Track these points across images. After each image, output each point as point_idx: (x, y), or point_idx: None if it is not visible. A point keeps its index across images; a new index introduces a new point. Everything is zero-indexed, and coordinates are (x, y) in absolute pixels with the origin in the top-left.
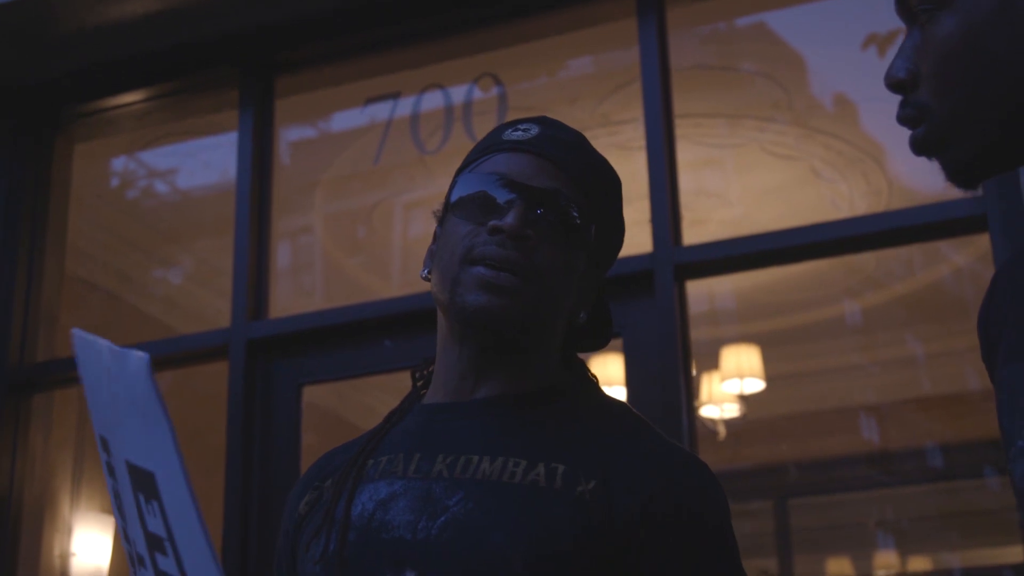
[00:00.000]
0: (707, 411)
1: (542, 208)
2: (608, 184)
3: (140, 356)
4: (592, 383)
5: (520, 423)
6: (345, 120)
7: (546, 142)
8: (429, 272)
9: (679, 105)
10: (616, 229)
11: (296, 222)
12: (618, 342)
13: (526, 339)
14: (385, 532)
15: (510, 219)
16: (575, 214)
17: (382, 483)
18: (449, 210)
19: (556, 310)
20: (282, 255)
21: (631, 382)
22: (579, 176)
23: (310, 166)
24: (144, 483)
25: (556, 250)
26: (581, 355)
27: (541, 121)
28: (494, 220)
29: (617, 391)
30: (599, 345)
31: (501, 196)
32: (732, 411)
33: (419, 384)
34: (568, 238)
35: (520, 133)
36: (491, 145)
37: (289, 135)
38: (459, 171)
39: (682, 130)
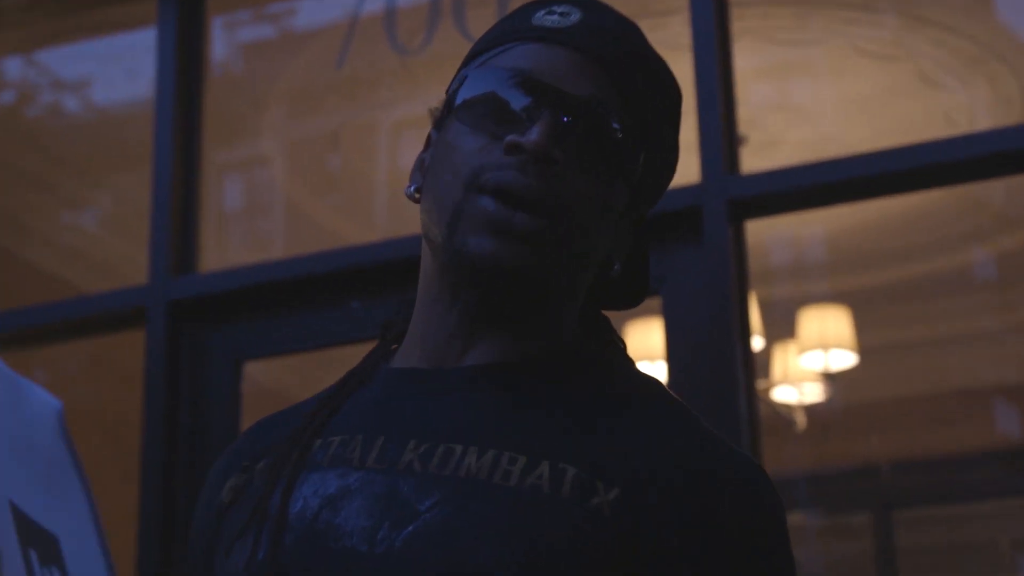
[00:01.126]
0: (781, 393)
1: (578, 123)
2: (668, 97)
3: (51, 404)
4: (619, 351)
5: (521, 402)
6: (301, 12)
7: (591, 32)
8: (417, 190)
9: None
10: (668, 156)
11: (246, 150)
12: (656, 302)
13: (544, 294)
14: (333, 539)
15: (535, 135)
16: (620, 135)
17: (331, 474)
18: (452, 112)
19: (586, 259)
20: (231, 193)
21: (673, 354)
22: (632, 84)
23: (259, 75)
24: (40, 542)
25: (593, 180)
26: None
27: (583, 2)
28: (513, 135)
29: (656, 367)
30: (632, 302)
31: (524, 102)
32: (814, 394)
33: (389, 338)
34: (609, 165)
35: (556, 18)
36: (515, 30)
37: (228, 32)
38: (468, 60)
39: (746, 23)
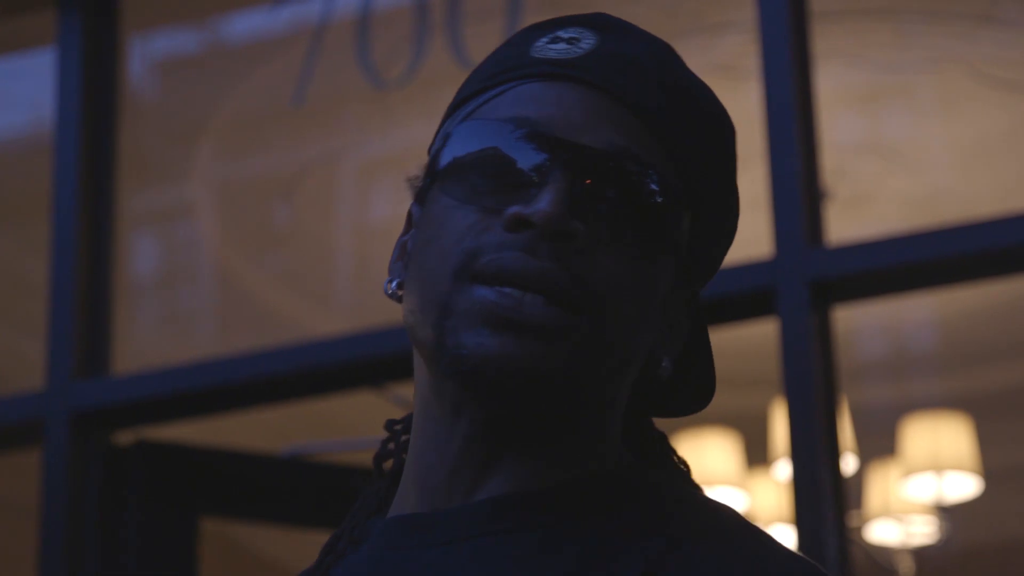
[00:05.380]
0: (879, 531)
1: (602, 184)
2: (717, 136)
3: None
4: (678, 472)
5: (548, 550)
6: (244, 26)
7: (609, 62)
8: (400, 285)
9: None
10: (723, 214)
11: (164, 199)
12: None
13: (571, 407)
14: None
15: (544, 204)
16: (659, 194)
17: None
18: (436, 181)
19: (624, 357)
20: (143, 256)
21: (740, 478)
22: (669, 125)
23: (186, 104)
24: None
25: (627, 256)
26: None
27: (597, 23)
28: (516, 205)
29: (717, 495)
30: (695, 406)
31: (528, 161)
32: (924, 532)
33: (384, 478)
34: (647, 235)
35: (563, 47)
36: (510, 66)
37: (147, 51)
38: (453, 109)
39: (831, 40)
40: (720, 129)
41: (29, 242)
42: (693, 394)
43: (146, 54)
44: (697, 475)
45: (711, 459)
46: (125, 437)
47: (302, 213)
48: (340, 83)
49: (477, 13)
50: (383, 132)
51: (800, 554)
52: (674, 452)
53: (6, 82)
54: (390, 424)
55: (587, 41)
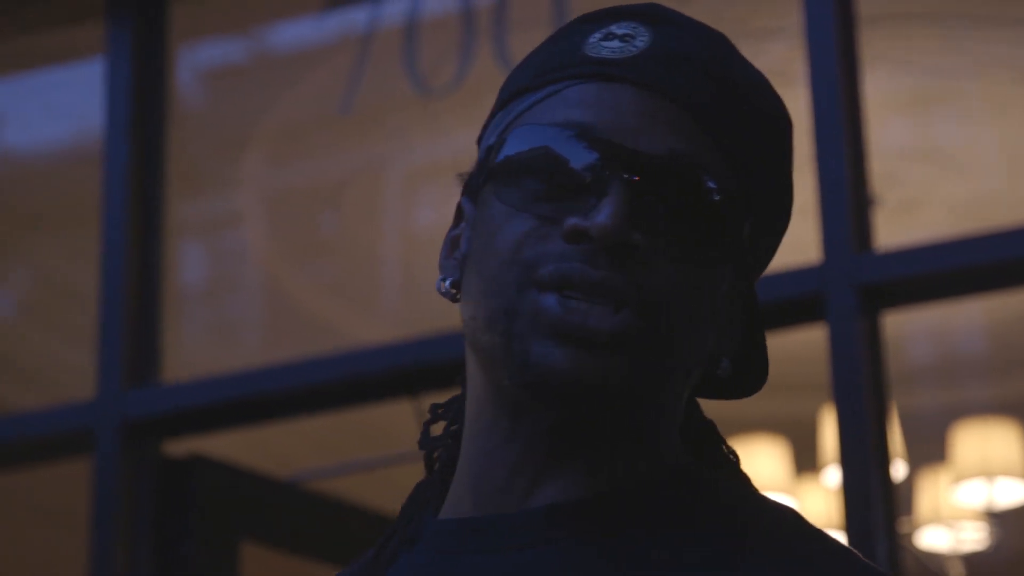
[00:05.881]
0: (930, 538)
1: (661, 192)
2: (776, 133)
3: None
4: (731, 468)
5: (605, 558)
6: (291, 35)
7: (666, 62)
8: (454, 284)
9: (872, 1)
10: (778, 211)
11: (212, 208)
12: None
13: (635, 413)
14: None
15: (603, 217)
16: (718, 198)
17: None
18: (489, 181)
19: (686, 362)
20: (191, 264)
21: (789, 484)
22: (729, 127)
23: (233, 113)
24: None
25: (689, 264)
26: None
27: (651, 16)
28: (574, 216)
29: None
30: (748, 389)
31: (585, 168)
32: (975, 538)
33: (439, 473)
34: (709, 241)
35: (617, 44)
36: (565, 63)
37: (195, 60)
38: (505, 102)
39: (879, 45)
40: (778, 126)
41: (77, 252)
42: (748, 378)
43: (194, 63)
44: None
45: (760, 465)
46: (176, 446)
47: (348, 221)
48: (386, 91)
49: (523, 21)
50: (429, 140)
51: (870, 562)
52: (724, 441)
53: (52, 93)
54: (435, 408)
55: (641, 38)
